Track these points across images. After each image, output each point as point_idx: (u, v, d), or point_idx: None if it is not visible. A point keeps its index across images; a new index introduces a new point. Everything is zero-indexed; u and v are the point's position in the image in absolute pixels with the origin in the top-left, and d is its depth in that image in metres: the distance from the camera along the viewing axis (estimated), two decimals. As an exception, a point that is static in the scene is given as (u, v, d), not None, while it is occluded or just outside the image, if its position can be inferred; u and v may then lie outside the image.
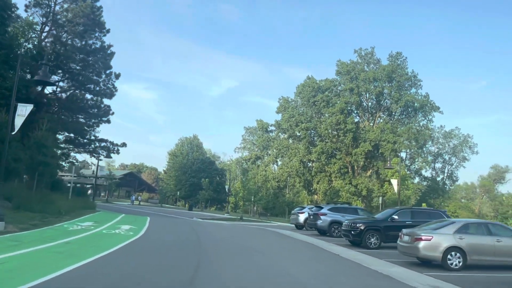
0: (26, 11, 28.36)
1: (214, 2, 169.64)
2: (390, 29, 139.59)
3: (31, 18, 28.24)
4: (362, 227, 17.89)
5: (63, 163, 33.99)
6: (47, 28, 30.31)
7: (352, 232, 18.14)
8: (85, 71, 28.50)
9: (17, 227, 13.82)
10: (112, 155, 34.20)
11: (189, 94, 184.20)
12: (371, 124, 72.09)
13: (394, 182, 30.93)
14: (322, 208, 24.28)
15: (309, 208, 29.65)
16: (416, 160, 73.45)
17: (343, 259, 14.31)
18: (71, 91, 29.32)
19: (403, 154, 71.37)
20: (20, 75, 26.11)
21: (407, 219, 18.26)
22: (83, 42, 29.20)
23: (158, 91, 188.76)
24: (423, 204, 50.83)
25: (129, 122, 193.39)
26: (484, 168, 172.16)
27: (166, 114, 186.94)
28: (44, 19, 29.83)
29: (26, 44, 26.77)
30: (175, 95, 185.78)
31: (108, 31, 32.06)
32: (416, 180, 76.25)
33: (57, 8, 29.46)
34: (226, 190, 64.06)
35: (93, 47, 30.09)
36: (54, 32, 29.23)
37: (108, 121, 31.60)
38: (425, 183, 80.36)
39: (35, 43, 26.92)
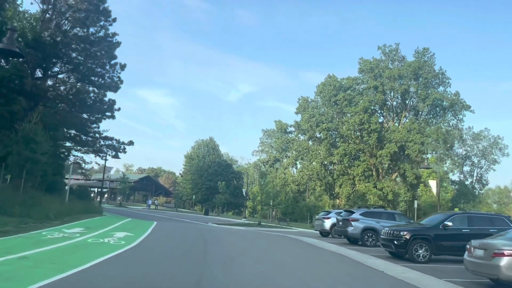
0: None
1: (232, 8, 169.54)
2: (413, 28, 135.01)
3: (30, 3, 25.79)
4: (407, 236, 14.51)
5: (67, 162, 31.40)
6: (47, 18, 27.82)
7: (395, 241, 14.75)
8: (86, 60, 25.78)
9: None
10: (119, 154, 31.43)
11: (207, 100, 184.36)
12: (396, 124, 68.22)
13: (433, 183, 27.37)
14: (353, 212, 20.90)
15: (336, 213, 26.32)
16: (445, 162, 68.97)
17: (392, 278, 11.01)
18: (71, 82, 26.59)
19: (429, 156, 67.25)
20: (12, 64, 23.60)
21: (464, 226, 14.84)
22: (85, 30, 26.52)
23: (177, 97, 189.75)
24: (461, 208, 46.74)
25: (147, 126, 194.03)
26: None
27: (185, 119, 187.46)
28: (44, 7, 27.30)
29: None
30: (194, 100, 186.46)
31: (114, 20, 29.36)
32: (444, 184, 71.93)
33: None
34: (244, 194, 60.95)
35: (96, 35, 27.43)
36: (54, 20, 26.64)
37: (113, 117, 28.89)
38: (453, 186, 75.80)
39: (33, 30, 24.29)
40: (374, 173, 64.83)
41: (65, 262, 8.64)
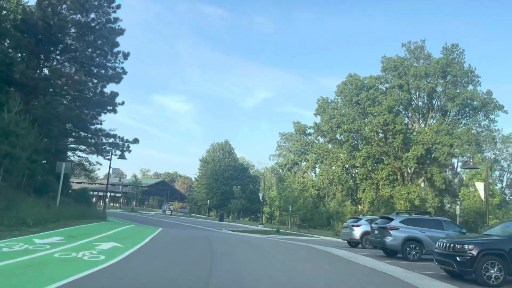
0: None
1: (249, 15, 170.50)
2: (436, 28, 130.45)
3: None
4: (474, 251, 11.07)
5: (70, 161, 28.58)
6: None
7: (458, 258, 11.28)
8: (84, 47, 22.96)
9: None
10: (124, 154, 28.46)
11: (224, 106, 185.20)
12: (422, 125, 64.14)
13: (480, 185, 23.59)
14: (391, 219, 17.44)
15: (366, 220, 22.91)
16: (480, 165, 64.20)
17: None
18: (68, 72, 23.71)
19: (454, 160, 62.91)
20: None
21: (551, 238, 11.35)
22: (84, 14, 23.72)
23: (195, 103, 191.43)
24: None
25: (165, 132, 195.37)
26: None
27: (202, 125, 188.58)
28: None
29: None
30: (211, 106, 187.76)
31: (118, 6, 26.58)
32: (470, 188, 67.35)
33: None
34: (260, 198, 57.64)
35: (97, 21, 24.61)
36: (51, 4, 23.88)
37: (114, 111, 25.95)
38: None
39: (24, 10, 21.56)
40: (399, 177, 60.86)
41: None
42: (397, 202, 50.50)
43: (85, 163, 34.27)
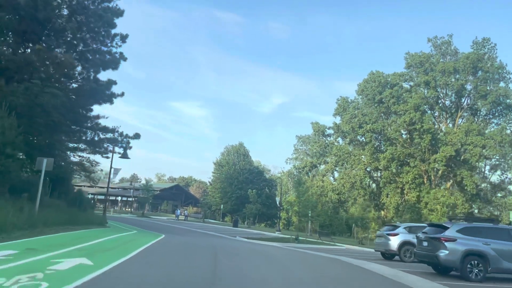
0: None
1: (264, 20, 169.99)
2: (455, 29, 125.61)
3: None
4: None
5: (71, 160, 25.61)
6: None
7: None
8: (74, 26, 19.89)
9: None
10: (121, 150, 25.42)
11: (240, 111, 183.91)
12: (450, 125, 59.85)
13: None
14: (445, 228, 13.78)
15: (405, 228, 19.26)
16: (509, 169, 59.65)
17: None
18: (53, 55, 20.54)
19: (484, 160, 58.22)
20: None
21: None
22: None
23: (211, 109, 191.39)
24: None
25: (181, 137, 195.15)
26: None
27: (218, 130, 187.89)
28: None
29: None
30: (227, 112, 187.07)
31: (119, -12, 23.59)
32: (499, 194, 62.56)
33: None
34: (277, 203, 54.06)
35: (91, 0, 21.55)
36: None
37: (111, 101, 22.78)
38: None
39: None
40: (425, 180, 56.66)
41: None
42: (433, 207, 46.07)
43: (86, 163, 31.40)
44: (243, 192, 76.02)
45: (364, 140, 60.56)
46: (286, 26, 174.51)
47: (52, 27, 20.15)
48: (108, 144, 24.81)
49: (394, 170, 57.09)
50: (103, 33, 21.88)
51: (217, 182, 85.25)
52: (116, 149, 27.97)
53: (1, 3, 17.82)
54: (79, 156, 31.73)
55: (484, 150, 52.21)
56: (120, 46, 22.44)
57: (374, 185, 61.69)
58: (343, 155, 61.53)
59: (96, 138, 24.00)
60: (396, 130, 55.43)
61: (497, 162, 59.45)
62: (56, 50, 20.79)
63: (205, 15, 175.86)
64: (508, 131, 54.76)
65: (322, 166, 71.12)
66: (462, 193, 54.19)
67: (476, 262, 12.86)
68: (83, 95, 21.58)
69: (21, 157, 18.12)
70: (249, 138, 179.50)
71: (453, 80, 56.52)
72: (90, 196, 54.05)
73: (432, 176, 57.63)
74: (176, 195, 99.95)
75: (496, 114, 58.75)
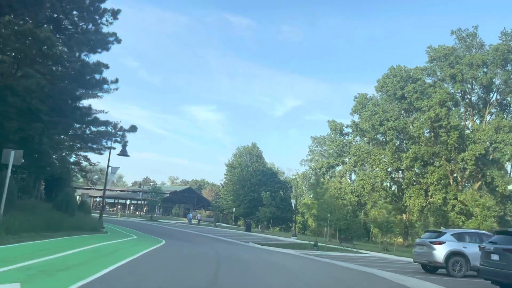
0: None
1: (276, 24, 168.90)
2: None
3: None
4: None
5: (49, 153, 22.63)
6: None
7: None
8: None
9: None
10: (116, 144, 22.42)
11: (253, 115, 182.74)
12: (477, 122, 55.87)
13: None
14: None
15: (452, 234, 15.82)
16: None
17: None
18: (28, 29, 17.41)
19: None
20: None
21: None
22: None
23: (224, 112, 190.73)
24: None
25: (195, 141, 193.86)
26: None
27: (231, 134, 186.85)
28: None
29: None
30: (240, 115, 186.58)
31: None
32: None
33: None
34: (292, 206, 50.67)
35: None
36: None
37: (102, 89, 19.77)
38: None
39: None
40: (451, 181, 52.75)
41: None
42: (472, 210, 42.07)
43: (83, 162, 28.52)
44: (256, 195, 72.73)
45: (384, 139, 56.95)
46: (298, 29, 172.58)
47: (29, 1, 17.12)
48: (103, 139, 21.81)
49: (417, 171, 53.39)
50: (90, 8, 18.85)
51: (229, 184, 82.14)
52: (118, 148, 25.07)
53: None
54: (76, 155, 28.99)
55: (516, 148, 48.23)
56: (111, 23, 19.41)
57: (394, 186, 57.98)
58: (362, 154, 57.93)
59: (87, 132, 21.02)
60: (419, 128, 51.69)
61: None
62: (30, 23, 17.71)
63: (217, 20, 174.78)
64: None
65: (340, 167, 67.57)
66: (492, 194, 50.21)
67: None
68: (67, 79, 18.45)
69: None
70: (263, 141, 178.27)
71: (481, 73, 52.61)
72: (97, 199, 51.28)
73: (458, 177, 53.78)
74: (188, 198, 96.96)
75: (527, 110, 54.73)
